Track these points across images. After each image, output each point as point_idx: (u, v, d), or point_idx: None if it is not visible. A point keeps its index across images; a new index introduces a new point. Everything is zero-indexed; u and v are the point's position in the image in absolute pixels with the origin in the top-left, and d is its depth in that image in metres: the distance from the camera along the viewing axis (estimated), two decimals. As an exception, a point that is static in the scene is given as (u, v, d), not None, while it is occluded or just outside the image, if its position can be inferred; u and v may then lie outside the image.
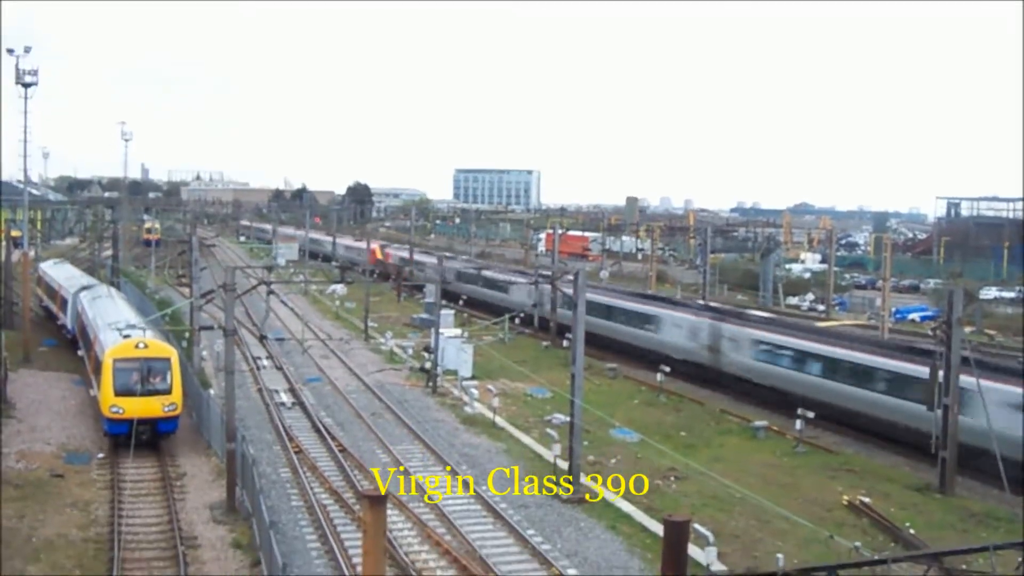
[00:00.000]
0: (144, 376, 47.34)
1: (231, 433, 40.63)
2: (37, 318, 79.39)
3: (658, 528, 36.73)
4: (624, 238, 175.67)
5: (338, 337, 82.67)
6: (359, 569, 32.64)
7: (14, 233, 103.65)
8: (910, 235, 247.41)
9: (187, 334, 65.42)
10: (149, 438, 46.38)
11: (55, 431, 50.37)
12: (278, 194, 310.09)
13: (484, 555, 34.82)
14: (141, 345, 48.15)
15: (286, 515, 38.64)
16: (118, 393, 46.73)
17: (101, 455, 46.21)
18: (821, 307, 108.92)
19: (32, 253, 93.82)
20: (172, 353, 48.94)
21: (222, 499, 40.13)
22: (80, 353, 61.56)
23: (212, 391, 54.74)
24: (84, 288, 69.06)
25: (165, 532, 37.40)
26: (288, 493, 41.78)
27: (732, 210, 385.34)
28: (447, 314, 74.06)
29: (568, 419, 45.12)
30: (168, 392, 47.42)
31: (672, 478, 45.16)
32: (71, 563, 34.12)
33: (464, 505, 40.60)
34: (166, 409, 46.97)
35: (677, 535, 11.68)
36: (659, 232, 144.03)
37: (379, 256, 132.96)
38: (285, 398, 59.38)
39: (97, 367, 50.13)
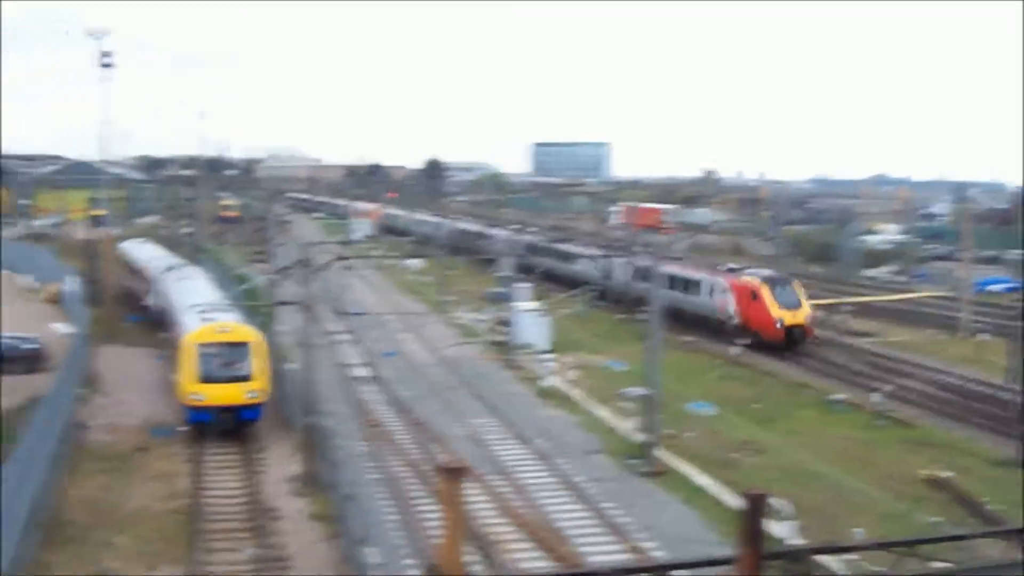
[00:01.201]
0: (226, 361, 46.02)
1: (310, 407, 41.09)
2: (120, 296, 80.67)
3: (735, 502, 36.72)
4: (698, 210, 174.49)
5: (414, 311, 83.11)
6: (437, 541, 32.98)
7: (97, 212, 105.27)
8: (991, 205, 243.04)
9: (265, 310, 66.10)
10: (232, 426, 45.25)
11: (139, 405, 51.15)
12: (353, 170, 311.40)
13: (560, 527, 34.99)
14: (223, 329, 47.02)
15: (364, 487, 39.01)
16: (199, 379, 45.36)
17: (184, 429, 46.63)
18: (902, 279, 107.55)
19: (114, 232, 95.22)
20: (255, 336, 47.53)
21: (301, 472, 40.61)
22: (164, 334, 61.89)
23: (290, 366, 55.32)
24: (167, 268, 69.14)
25: (245, 504, 37.97)
26: (366, 466, 42.20)
27: (808, 181, 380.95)
28: (523, 287, 74.14)
29: (644, 392, 45.15)
30: (251, 378, 45.84)
31: (748, 451, 45.04)
32: (155, 534, 34.80)
33: (541, 478, 40.79)
34: (249, 396, 45.42)
35: (754, 509, 11.69)
36: (734, 204, 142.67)
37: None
38: (362, 372, 59.88)
39: (179, 350, 48.50)
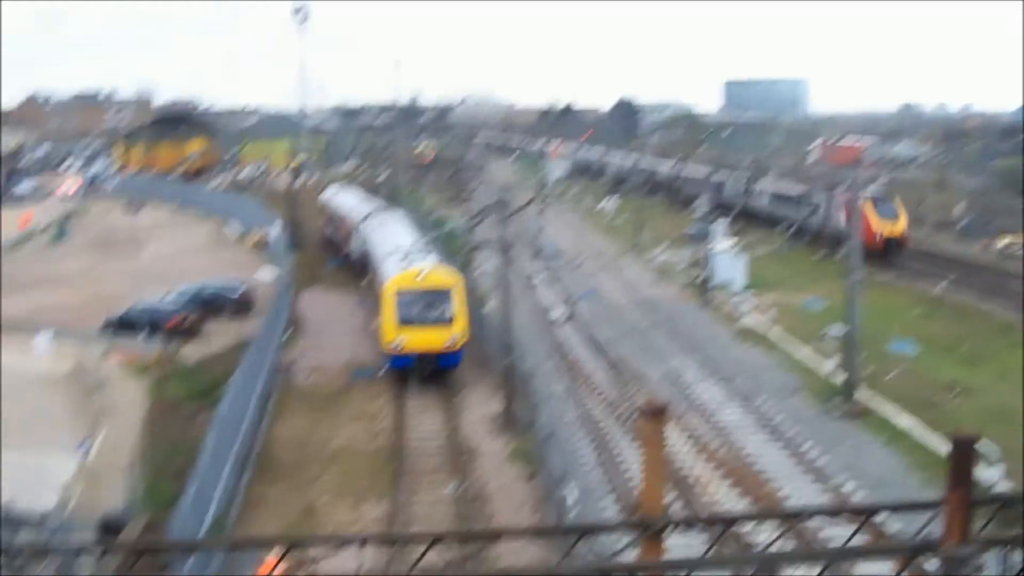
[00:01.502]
0: (427, 307, 46.36)
1: (508, 348, 41.52)
2: (321, 241, 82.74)
3: (939, 445, 35.85)
4: (899, 145, 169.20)
5: (610, 251, 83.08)
6: (634, 481, 33.08)
7: (297, 161, 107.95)
8: None
9: (463, 253, 66.79)
10: (432, 372, 45.57)
11: (341, 348, 52.43)
12: (545, 113, 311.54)
13: (760, 468, 34.75)
14: (423, 275, 47.22)
15: (563, 427, 39.33)
16: (399, 326, 45.75)
17: (385, 368, 47.26)
18: None
19: (314, 179, 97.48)
20: (454, 282, 47.65)
21: (500, 412, 41.15)
22: (364, 279, 62.96)
23: (489, 307, 55.90)
24: (367, 214, 70.01)
25: (446, 443, 38.74)
26: (565, 406, 42.52)
27: (1017, 111, 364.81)
28: (719, 227, 73.36)
29: (843, 332, 44.29)
30: (451, 324, 46.15)
31: (953, 393, 43.74)
32: (360, 472, 35.83)
33: (739, 418, 40.52)
34: (449, 342, 45.78)
35: (962, 452, 11.32)
36: (937, 137, 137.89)
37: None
38: (559, 313, 60.17)
39: (380, 297, 49.06)
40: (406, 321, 45.85)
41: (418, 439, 39.14)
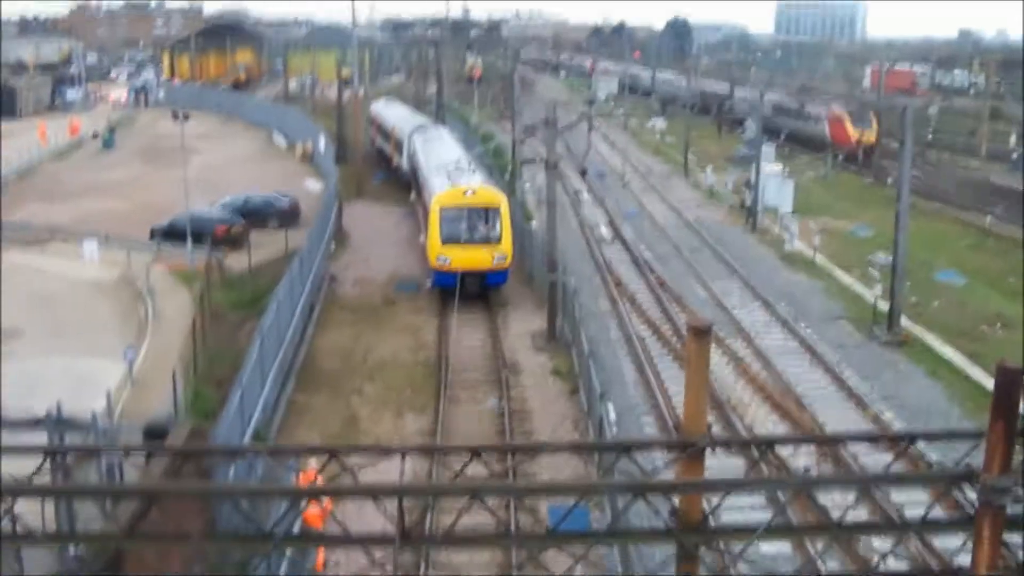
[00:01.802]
0: (474, 225, 46.00)
1: (552, 265, 41.47)
2: (368, 155, 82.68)
3: (982, 376, 35.66)
4: (956, 72, 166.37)
5: (657, 172, 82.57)
6: (675, 400, 33.18)
7: (345, 73, 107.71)
8: None
9: (510, 169, 66.62)
10: (477, 290, 45.27)
11: (386, 261, 52.67)
12: (597, 30, 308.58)
13: (800, 393, 34.69)
14: (470, 192, 46.46)
15: (605, 346, 39.36)
16: (445, 243, 45.31)
17: (429, 284, 47.43)
18: None
19: (362, 92, 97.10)
20: (502, 200, 47.08)
21: (543, 328, 41.24)
22: (411, 194, 62.82)
23: (534, 224, 55.80)
24: (417, 129, 69.49)
25: (488, 358, 38.92)
26: (607, 324, 42.57)
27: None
28: (768, 149, 72.58)
29: (890, 259, 43.95)
30: (497, 242, 45.72)
31: (999, 324, 43.40)
32: (403, 383, 36.06)
33: (781, 342, 40.43)
34: (495, 260, 45.44)
35: (1008, 382, 11.19)
36: (995, 66, 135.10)
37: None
38: (605, 231, 60.04)
39: (426, 213, 48.93)
40: (452, 238, 45.43)
41: (461, 353, 39.31)
